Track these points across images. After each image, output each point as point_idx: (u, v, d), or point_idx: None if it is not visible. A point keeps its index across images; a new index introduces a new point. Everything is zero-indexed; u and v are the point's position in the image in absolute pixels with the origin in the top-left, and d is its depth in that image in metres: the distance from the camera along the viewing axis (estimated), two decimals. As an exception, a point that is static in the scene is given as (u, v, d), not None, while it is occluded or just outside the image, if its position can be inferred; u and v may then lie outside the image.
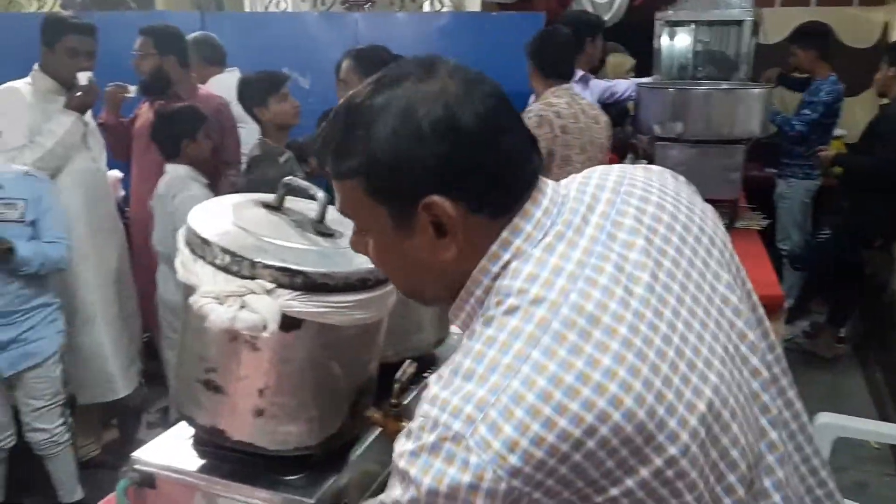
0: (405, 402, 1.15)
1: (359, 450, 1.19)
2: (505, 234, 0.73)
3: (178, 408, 1.16)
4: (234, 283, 1.02)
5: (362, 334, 1.12)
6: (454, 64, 0.74)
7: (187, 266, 1.07)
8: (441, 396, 0.66)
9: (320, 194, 1.16)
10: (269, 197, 1.25)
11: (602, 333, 0.65)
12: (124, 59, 3.07)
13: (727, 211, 3.12)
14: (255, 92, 2.62)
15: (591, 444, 0.62)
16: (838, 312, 3.94)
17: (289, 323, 1.03)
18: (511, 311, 0.68)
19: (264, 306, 1.00)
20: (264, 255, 1.03)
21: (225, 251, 1.04)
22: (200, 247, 1.06)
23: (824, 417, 2.21)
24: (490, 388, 0.64)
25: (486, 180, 0.71)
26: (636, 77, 3.94)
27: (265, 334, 1.00)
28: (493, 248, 0.73)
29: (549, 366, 0.63)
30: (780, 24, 4.27)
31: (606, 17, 3.95)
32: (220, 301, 1.00)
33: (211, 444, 1.15)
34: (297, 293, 1.02)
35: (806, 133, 3.88)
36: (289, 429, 1.10)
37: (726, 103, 3.03)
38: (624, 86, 3.48)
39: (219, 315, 0.99)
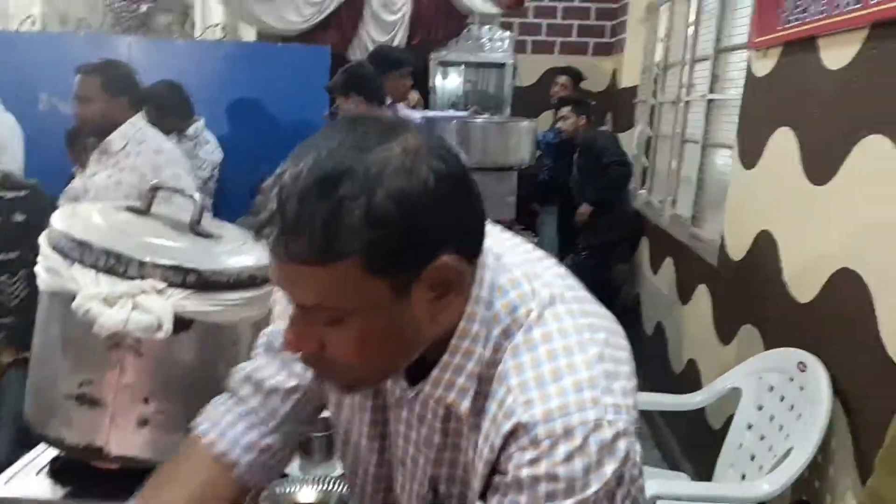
0: None
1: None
2: (477, 271, 0.68)
3: (39, 430, 1.06)
4: (122, 285, 0.97)
5: (248, 333, 1.13)
6: (390, 120, 0.66)
7: (58, 271, 1.00)
8: (554, 405, 0.63)
9: (197, 195, 1.15)
10: (126, 202, 1.21)
11: (591, 305, 0.72)
12: None
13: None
14: None
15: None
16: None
17: (178, 324, 1.01)
18: (536, 313, 0.68)
19: (158, 306, 0.97)
20: (152, 255, 1.00)
21: (108, 252, 0.99)
22: (76, 250, 0.99)
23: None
24: (582, 367, 0.65)
25: (481, 224, 0.66)
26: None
27: (160, 335, 0.97)
28: (475, 290, 0.67)
29: (595, 337, 0.67)
30: (531, 70, 4.85)
31: (385, 54, 4.19)
32: (108, 304, 0.96)
33: (78, 465, 1.06)
34: (189, 292, 1.01)
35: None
36: (175, 437, 1.06)
37: (501, 135, 3.39)
38: (417, 116, 3.71)
39: (109, 318, 0.95)
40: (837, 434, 1.61)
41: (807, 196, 1.82)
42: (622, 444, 0.63)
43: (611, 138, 3.99)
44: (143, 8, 4.16)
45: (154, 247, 1.03)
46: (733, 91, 2.69)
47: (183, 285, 1.00)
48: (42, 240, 1.05)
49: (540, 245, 0.92)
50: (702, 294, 2.66)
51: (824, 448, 1.62)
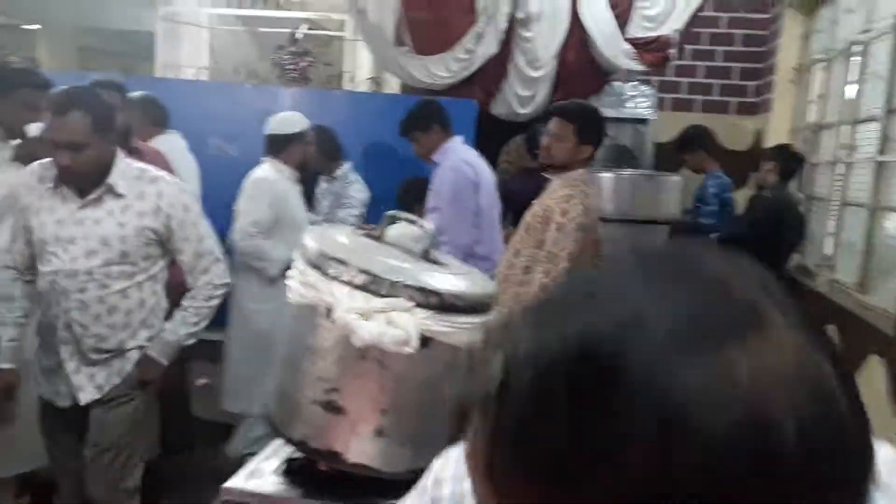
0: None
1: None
2: None
3: (283, 431, 1.15)
4: (377, 301, 1.06)
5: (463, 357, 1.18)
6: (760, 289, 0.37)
7: (315, 286, 1.10)
8: None
9: (430, 226, 1.23)
10: (347, 228, 1.31)
11: None
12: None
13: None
14: None
15: None
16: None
17: (420, 341, 1.08)
18: None
19: (408, 323, 1.05)
20: (401, 276, 1.09)
21: (363, 271, 1.08)
22: (333, 267, 1.09)
23: None
24: None
25: None
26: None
27: (408, 350, 1.05)
28: None
29: None
30: (669, 127, 4.84)
31: (529, 111, 4.31)
32: (365, 318, 1.04)
33: (308, 469, 1.14)
34: (431, 312, 1.08)
35: (715, 225, 4.23)
36: (403, 451, 1.13)
37: (650, 188, 3.40)
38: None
39: (367, 331, 1.03)
40: None
41: None
42: None
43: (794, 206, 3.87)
44: (305, 62, 4.50)
45: (399, 269, 1.11)
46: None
47: (426, 306, 1.08)
48: (296, 256, 1.16)
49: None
50: (875, 365, 2.52)
51: None
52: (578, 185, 2.58)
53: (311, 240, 1.16)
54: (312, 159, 3.18)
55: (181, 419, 3.44)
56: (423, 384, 1.12)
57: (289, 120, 3.07)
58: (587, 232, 2.52)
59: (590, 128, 2.58)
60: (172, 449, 3.26)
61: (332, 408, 1.10)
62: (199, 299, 2.15)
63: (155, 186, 2.07)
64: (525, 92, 4.38)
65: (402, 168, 3.89)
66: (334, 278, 1.09)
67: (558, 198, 2.57)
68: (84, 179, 2.00)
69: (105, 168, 2.01)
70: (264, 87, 4.72)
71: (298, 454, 1.18)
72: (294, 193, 3.00)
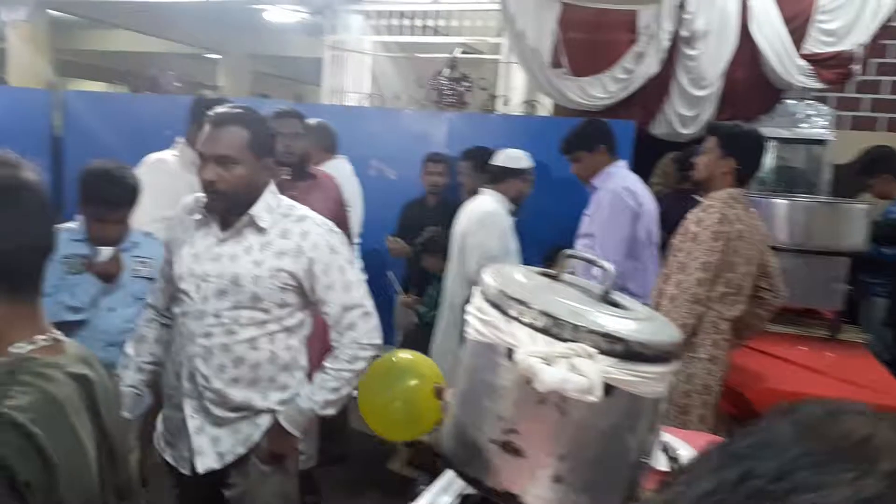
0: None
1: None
2: None
3: (459, 468, 1.16)
4: (559, 346, 1.04)
5: (654, 408, 1.14)
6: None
7: (496, 325, 1.10)
8: None
9: (610, 266, 1.20)
10: (523, 266, 1.30)
11: None
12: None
13: (828, 322, 3.16)
14: None
15: None
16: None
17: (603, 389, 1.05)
18: None
19: (591, 371, 1.02)
20: (584, 320, 1.06)
21: (544, 313, 1.07)
22: (514, 308, 1.09)
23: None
24: None
25: None
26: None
27: (591, 398, 1.02)
28: None
29: None
30: (849, 147, 4.45)
31: (692, 131, 4.13)
32: (547, 362, 1.03)
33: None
34: (616, 360, 1.05)
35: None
36: (580, 498, 1.10)
37: (831, 217, 3.13)
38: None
39: (550, 376, 1.01)
40: None
41: None
42: None
43: None
44: (462, 87, 4.60)
45: (582, 312, 1.09)
46: None
47: (610, 353, 1.05)
48: (476, 293, 1.17)
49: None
50: None
51: None
52: (724, 198, 2.45)
53: (490, 277, 1.17)
54: (527, 196, 3.27)
55: (340, 431, 3.58)
56: (604, 433, 1.09)
57: (514, 157, 3.23)
58: (728, 242, 2.36)
59: (733, 140, 2.44)
60: (329, 460, 3.41)
61: (510, 449, 1.09)
62: (342, 360, 1.87)
63: (301, 225, 1.85)
64: (688, 111, 4.22)
65: (557, 190, 3.86)
66: (515, 319, 1.08)
67: (697, 209, 2.46)
68: (229, 202, 1.81)
69: (252, 196, 1.83)
70: (423, 111, 4.88)
71: (472, 490, 1.18)
72: (510, 225, 3.13)
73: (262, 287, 1.80)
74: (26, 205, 1.01)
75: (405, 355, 2.41)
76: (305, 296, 1.87)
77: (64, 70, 14.52)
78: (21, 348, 0.99)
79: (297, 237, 1.83)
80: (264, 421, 1.86)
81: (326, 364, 1.89)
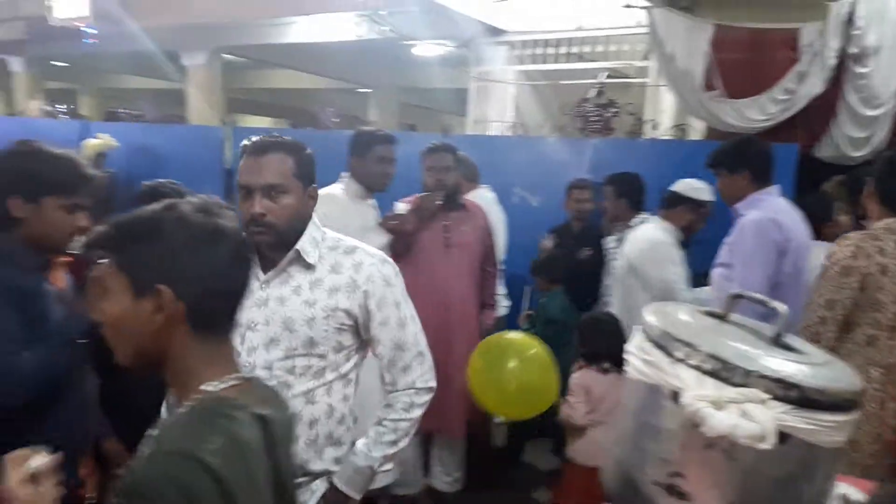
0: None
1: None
2: None
3: (621, 508, 1.15)
4: (729, 391, 1.02)
5: (832, 457, 1.08)
6: None
7: (661, 367, 1.09)
8: None
9: (782, 307, 1.16)
10: (686, 305, 1.28)
11: None
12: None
13: None
14: None
15: None
16: None
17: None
18: None
19: (763, 417, 0.99)
20: (755, 364, 1.03)
21: (713, 356, 1.05)
22: (680, 350, 1.08)
23: None
24: None
25: None
26: None
27: (764, 446, 0.98)
28: None
29: None
30: None
31: (863, 153, 3.84)
32: (717, 407, 1.01)
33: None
34: (790, 407, 1.01)
35: None
36: (747, 549, 1.06)
37: None
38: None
39: (720, 421, 0.99)
40: None
41: None
42: None
43: None
44: (609, 113, 4.56)
45: (753, 356, 1.06)
46: None
47: (784, 399, 1.01)
48: (639, 332, 1.16)
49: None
50: None
51: None
52: (872, 230, 2.24)
53: (653, 316, 1.16)
54: (697, 229, 3.23)
55: (483, 454, 3.62)
56: (776, 481, 1.04)
57: (695, 186, 3.22)
58: (861, 278, 2.15)
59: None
60: (474, 486, 3.45)
61: (676, 492, 1.07)
62: (399, 409, 1.69)
63: (352, 257, 1.68)
64: (859, 133, 3.94)
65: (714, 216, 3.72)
66: (680, 361, 1.07)
67: (836, 243, 2.28)
68: (279, 236, 1.63)
69: (298, 230, 1.66)
70: (565, 139, 4.89)
71: (634, 533, 1.17)
72: (680, 256, 3.13)
73: (317, 330, 1.61)
74: (223, 251, 1.09)
75: (514, 334, 2.71)
76: (360, 335, 1.70)
77: (233, 107, 15.92)
78: (214, 386, 1.07)
79: (349, 270, 1.66)
80: (320, 486, 1.66)
81: (381, 414, 1.72)
